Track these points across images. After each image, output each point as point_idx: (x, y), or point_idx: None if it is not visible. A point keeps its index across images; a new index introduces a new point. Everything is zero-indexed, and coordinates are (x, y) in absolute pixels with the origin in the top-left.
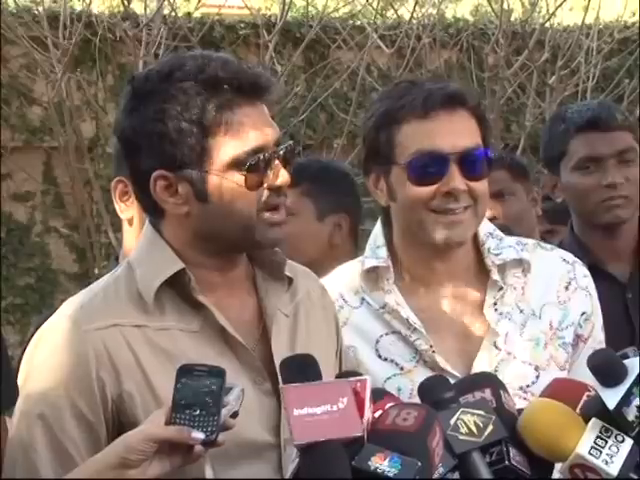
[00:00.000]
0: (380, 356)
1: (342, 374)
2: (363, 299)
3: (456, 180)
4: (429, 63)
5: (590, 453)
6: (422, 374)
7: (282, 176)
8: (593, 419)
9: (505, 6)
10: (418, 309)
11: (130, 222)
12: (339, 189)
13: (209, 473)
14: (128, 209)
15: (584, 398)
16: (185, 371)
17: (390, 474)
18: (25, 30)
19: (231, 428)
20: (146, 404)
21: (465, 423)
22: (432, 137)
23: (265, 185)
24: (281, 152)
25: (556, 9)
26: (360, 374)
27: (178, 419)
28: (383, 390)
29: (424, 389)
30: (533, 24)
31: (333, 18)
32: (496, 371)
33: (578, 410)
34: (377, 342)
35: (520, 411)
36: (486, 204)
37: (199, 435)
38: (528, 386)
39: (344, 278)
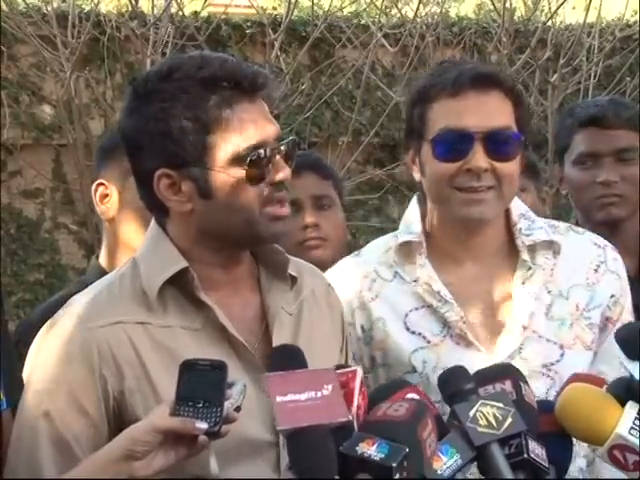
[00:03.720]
0: (408, 329)
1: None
2: (396, 273)
3: (479, 159)
4: (433, 61)
5: (630, 433)
6: (448, 348)
7: (283, 171)
8: (630, 402)
9: (508, 5)
10: (448, 284)
11: (111, 223)
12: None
13: (214, 466)
14: (109, 211)
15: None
16: (188, 365)
17: (377, 458)
18: (34, 29)
19: (234, 421)
20: (146, 400)
21: (484, 415)
22: (459, 115)
23: (266, 180)
24: (282, 147)
25: (558, 8)
26: (349, 366)
27: (182, 412)
28: (404, 381)
29: (444, 380)
30: (535, 23)
31: (338, 17)
32: (520, 349)
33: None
34: (406, 315)
35: (540, 402)
36: (512, 186)
37: (203, 425)
38: (552, 364)
39: (378, 252)
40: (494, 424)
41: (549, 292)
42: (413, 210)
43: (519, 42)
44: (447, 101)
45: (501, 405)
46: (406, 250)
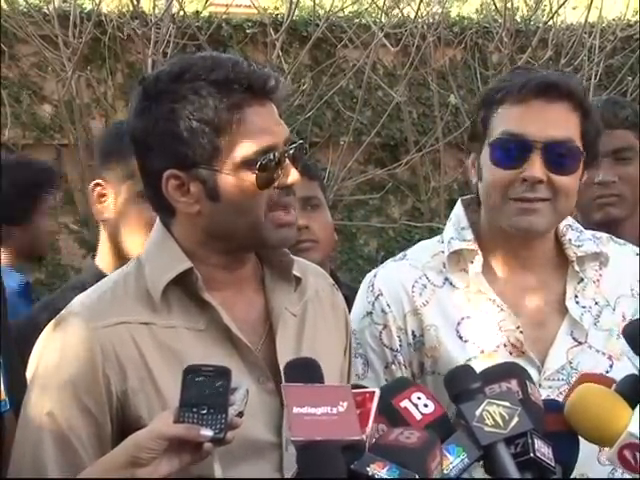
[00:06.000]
0: (461, 337)
1: (353, 386)
2: (446, 279)
3: (535, 169)
4: (434, 61)
5: None
6: (501, 358)
7: (292, 175)
8: None
9: (509, 5)
10: (499, 293)
11: (104, 224)
12: None
13: (218, 472)
14: (103, 211)
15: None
16: (191, 371)
17: None
18: (36, 29)
19: (238, 427)
20: (149, 401)
21: (491, 414)
22: (520, 122)
23: (276, 184)
24: (291, 151)
25: (559, 7)
26: (366, 387)
27: (186, 418)
28: (409, 380)
29: (450, 379)
30: (536, 22)
31: (339, 17)
32: (571, 361)
33: (612, 389)
34: (459, 324)
35: (546, 401)
36: (568, 201)
37: (207, 432)
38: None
39: (426, 256)
40: (500, 423)
41: (596, 303)
42: (461, 215)
43: (520, 42)
44: (511, 107)
45: (507, 404)
46: (456, 256)
